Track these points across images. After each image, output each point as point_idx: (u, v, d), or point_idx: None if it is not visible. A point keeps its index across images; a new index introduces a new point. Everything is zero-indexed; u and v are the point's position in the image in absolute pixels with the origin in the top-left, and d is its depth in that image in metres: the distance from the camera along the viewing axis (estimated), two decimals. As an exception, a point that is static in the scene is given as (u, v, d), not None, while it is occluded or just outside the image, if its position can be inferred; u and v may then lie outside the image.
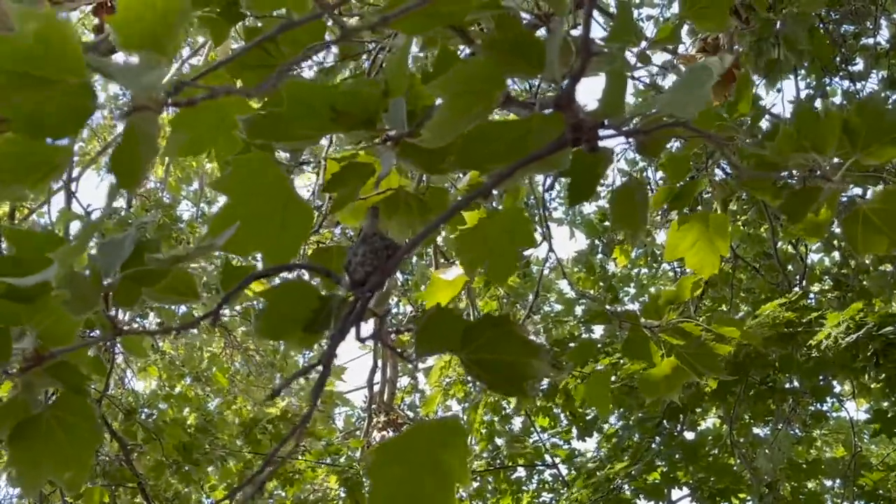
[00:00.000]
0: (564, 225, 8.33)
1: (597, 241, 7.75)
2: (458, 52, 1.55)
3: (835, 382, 5.69)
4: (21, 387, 1.24)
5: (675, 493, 6.05)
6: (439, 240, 5.60)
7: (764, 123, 4.60)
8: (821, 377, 5.36)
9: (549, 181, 5.23)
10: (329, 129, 1.21)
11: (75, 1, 4.34)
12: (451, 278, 2.25)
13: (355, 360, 18.25)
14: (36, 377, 1.22)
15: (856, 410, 11.16)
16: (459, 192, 2.21)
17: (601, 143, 1.08)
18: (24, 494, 4.65)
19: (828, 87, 5.94)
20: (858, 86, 5.75)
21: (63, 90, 0.92)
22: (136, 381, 8.21)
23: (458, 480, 1.09)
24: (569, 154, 1.10)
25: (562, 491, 7.34)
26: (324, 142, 4.23)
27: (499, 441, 7.68)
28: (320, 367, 1.08)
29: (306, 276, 1.36)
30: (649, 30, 6.44)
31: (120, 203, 6.82)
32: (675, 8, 5.43)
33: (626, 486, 5.95)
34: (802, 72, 5.59)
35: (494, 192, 1.82)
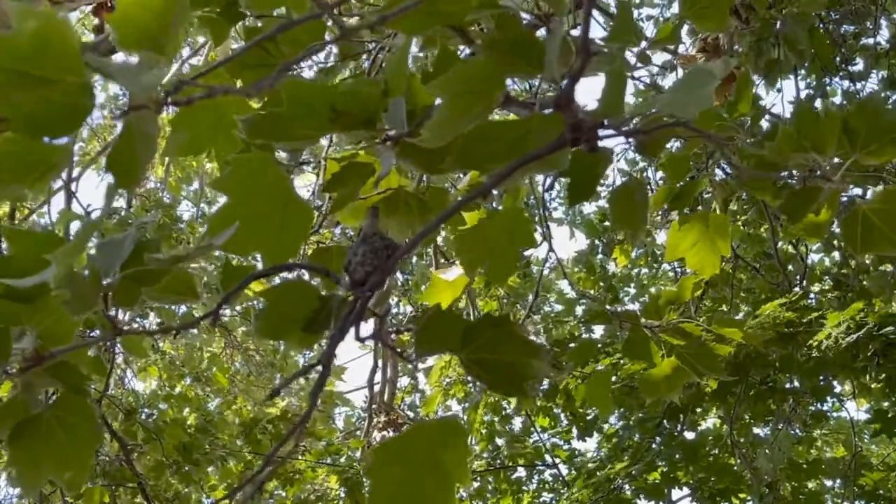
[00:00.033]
0: (564, 225, 8.33)
1: (597, 242, 7.75)
2: (459, 53, 1.55)
3: (835, 382, 5.69)
4: (21, 387, 1.24)
5: (676, 493, 6.06)
6: (439, 240, 5.60)
7: (764, 123, 4.60)
8: (821, 377, 5.36)
9: (548, 181, 5.23)
10: (329, 128, 1.21)
11: (75, 1, 4.34)
12: (451, 279, 2.25)
13: (355, 360, 18.25)
14: (36, 377, 1.22)
15: (856, 410, 11.16)
16: (460, 192, 2.21)
17: (601, 143, 1.08)
18: (25, 494, 4.65)
19: (828, 87, 5.94)
20: (858, 86, 5.75)
21: (62, 89, 0.92)
22: (136, 382, 8.21)
23: (458, 480, 1.09)
24: (568, 154, 1.10)
25: (562, 491, 7.34)
26: (324, 142, 4.23)
27: (499, 441, 7.68)
28: (320, 367, 1.08)
29: (306, 277, 1.36)
30: (649, 30, 6.44)
31: (120, 203, 6.82)
32: (675, 8, 5.43)
33: (626, 486, 5.95)
34: (802, 72, 5.59)
35: (494, 192, 1.83)
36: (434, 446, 1.09)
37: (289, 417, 7.55)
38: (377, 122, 1.21)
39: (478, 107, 1.10)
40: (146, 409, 7.06)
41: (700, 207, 4.78)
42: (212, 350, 8.64)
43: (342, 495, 7.24)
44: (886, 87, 5.59)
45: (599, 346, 5.75)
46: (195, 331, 7.75)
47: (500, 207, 2.09)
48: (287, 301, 1.14)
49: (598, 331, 6.33)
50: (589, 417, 6.80)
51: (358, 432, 8.30)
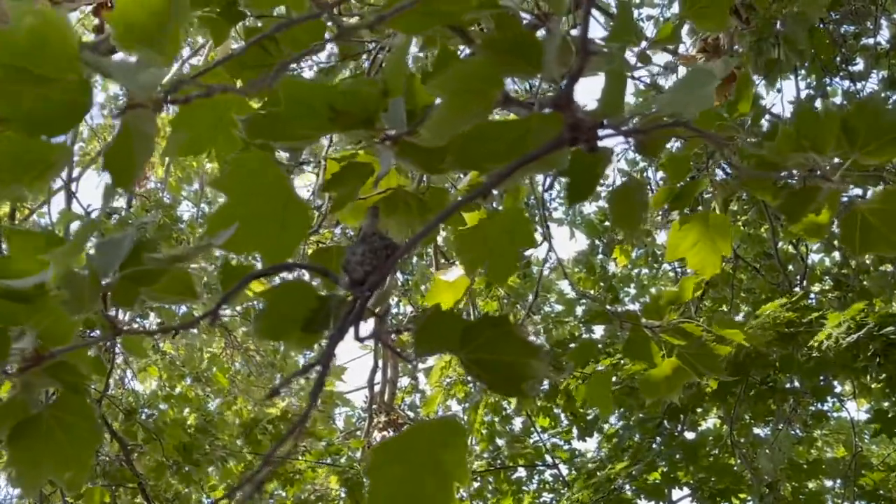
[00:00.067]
0: (564, 225, 8.34)
1: (597, 242, 7.76)
2: (459, 53, 1.55)
3: (835, 382, 5.68)
4: (20, 387, 1.24)
5: (676, 493, 6.06)
6: (440, 240, 5.60)
7: (764, 123, 4.60)
8: (821, 377, 5.36)
9: (548, 181, 5.23)
10: (328, 128, 1.21)
11: (75, 1, 4.34)
12: (452, 280, 2.25)
13: (356, 360, 18.24)
14: (35, 377, 1.22)
15: (856, 410, 11.16)
16: (460, 192, 2.21)
17: (600, 143, 1.08)
18: (25, 494, 4.65)
19: (828, 88, 5.94)
20: (859, 86, 5.75)
21: (60, 87, 0.92)
22: (136, 382, 8.21)
23: (457, 480, 1.09)
24: (567, 154, 1.09)
25: (563, 491, 7.34)
26: (324, 141, 4.23)
27: (499, 441, 7.68)
28: (319, 367, 1.08)
29: (307, 277, 1.36)
30: (649, 30, 6.44)
31: (120, 203, 6.82)
32: (676, 8, 5.43)
33: (626, 487, 5.95)
34: (802, 72, 5.59)
35: (495, 192, 1.82)
36: (434, 446, 1.09)
37: (289, 418, 7.55)
38: (376, 122, 1.21)
39: (476, 106, 1.10)
40: (146, 410, 7.06)
41: (700, 207, 4.77)
42: (212, 350, 8.64)
43: (342, 496, 7.24)
44: (886, 88, 5.59)
45: (600, 346, 5.75)
46: (195, 331, 7.75)
47: (500, 208, 2.09)
48: (286, 301, 1.14)
49: (599, 331, 6.33)
50: (589, 418, 6.80)
51: (358, 432, 8.30)
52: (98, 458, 6.08)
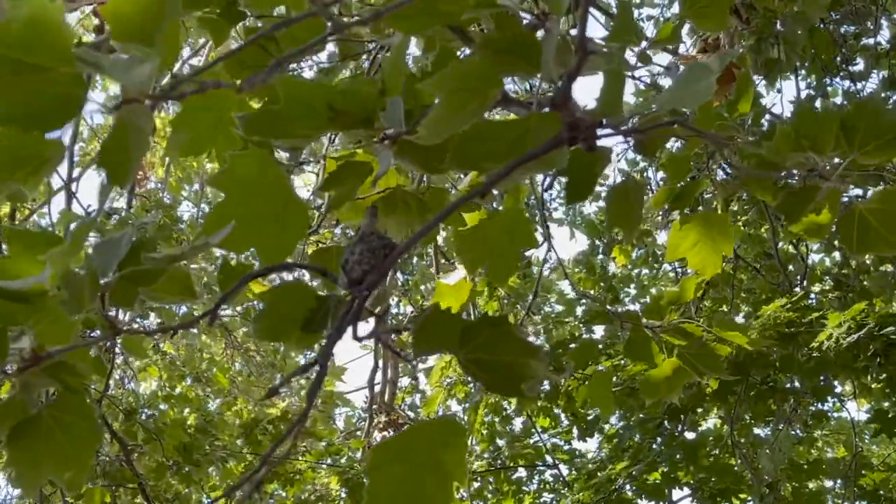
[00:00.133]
0: (565, 225, 8.34)
1: (597, 242, 7.75)
2: (459, 54, 1.55)
3: (836, 383, 5.68)
4: (19, 387, 1.24)
5: (676, 494, 6.06)
6: (440, 240, 5.60)
7: (765, 123, 4.60)
8: (822, 377, 5.36)
9: (547, 181, 5.23)
10: (326, 127, 1.21)
11: (76, 1, 4.34)
12: (454, 282, 2.25)
13: (356, 360, 18.23)
14: (34, 377, 1.22)
15: (857, 411, 11.15)
16: (460, 192, 2.21)
17: (599, 142, 1.08)
18: (25, 495, 4.65)
19: (828, 88, 5.94)
20: (859, 86, 5.75)
21: (54, 79, 0.92)
22: (136, 382, 8.21)
23: (457, 480, 1.09)
24: (566, 153, 1.09)
25: (563, 491, 7.34)
26: (324, 141, 4.23)
27: (500, 442, 7.67)
28: (318, 367, 1.08)
29: (307, 277, 1.36)
30: (650, 30, 6.44)
31: (120, 204, 6.82)
32: (676, 8, 5.42)
33: (627, 487, 5.95)
34: (803, 72, 5.58)
35: (495, 192, 1.82)
36: (434, 446, 1.09)
37: (289, 418, 7.55)
38: (375, 121, 1.20)
39: (473, 104, 1.10)
40: (146, 410, 7.06)
41: (700, 207, 4.77)
42: (212, 353, 8.65)
43: (343, 496, 7.24)
44: (887, 88, 5.58)
45: (600, 346, 5.74)
46: (195, 331, 7.75)
47: (501, 208, 2.09)
48: (285, 302, 1.14)
49: (599, 331, 6.33)
50: (590, 418, 6.80)
51: (358, 433, 8.30)
52: (98, 458, 6.08)
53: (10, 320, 1.17)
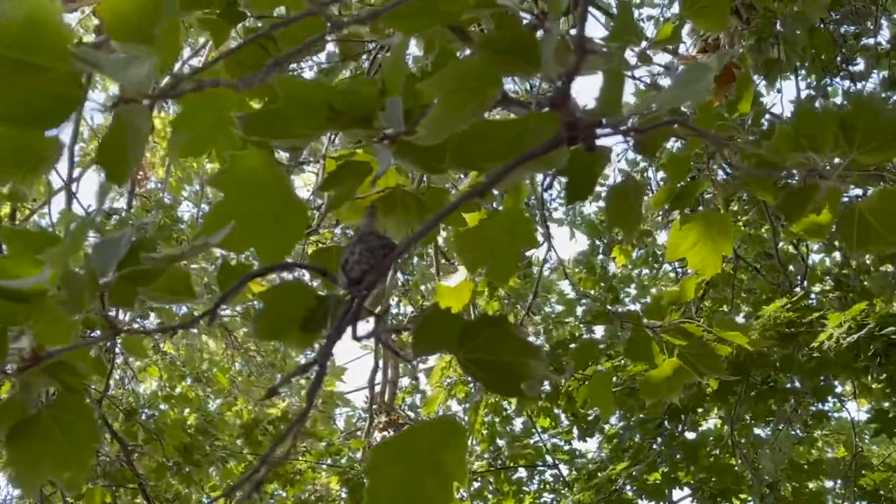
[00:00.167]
0: (565, 225, 8.34)
1: (597, 242, 7.75)
2: (458, 55, 1.55)
3: (836, 383, 5.68)
4: (19, 387, 1.24)
5: (677, 494, 6.06)
6: (440, 240, 5.60)
7: (765, 123, 4.60)
8: (822, 377, 5.35)
9: (547, 180, 5.23)
10: (325, 127, 1.21)
11: (76, 1, 4.34)
12: (455, 285, 2.25)
13: (356, 360, 18.24)
14: (33, 377, 1.22)
15: (857, 411, 11.15)
16: (461, 193, 2.21)
17: (599, 142, 1.08)
18: (24, 495, 4.65)
19: (829, 88, 5.94)
20: (859, 86, 5.75)
21: (51, 77, 0.92)
22: (136, 382, 8.21)
23: (457, 480, 1.09)
24: (565, 153, 1.09)
25: (563, 491, 7.34)
26: (325, 141, 4.23)
27: (500, 442, 7.67)
28: (317, 367, 1.08)
29: (307, 277, 1.36)
30: (650, 30, 6.44)
31: (121, 204, 6.82)
32: (676, 8, 5.42)
33: (627, 487, 5.95)
34: (803, 72, 5.58)
35: (495, 192, 1.82)
36: (434, 446, 1.09)
37: (289, 418, 7.55)
38: (374, 121, 1.20)
39: (472, 104, 1.10)
40: (146, 410, 7.06)
41: (701, 207, 4.77)
42: (211, 352, 8.64)
43: (343, 496, 7.24)
44: (887, 88, 5.58)
45: (601, 346, 5.74)
46: (195, 330, 7.75)
47: (501, 208, 2.08)
48: (285, 301, 1.14)
49: (599, 332, 6.33)
50: (590, 418, 6.80)
51: (359, 433, 8.30)
52: (98, 458, 6.08)
53: (10, 320, 1.17)
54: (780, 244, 6.52)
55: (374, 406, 7.25)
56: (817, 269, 6.98)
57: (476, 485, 7.64)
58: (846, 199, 1.55)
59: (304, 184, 7.69)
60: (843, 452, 7.82)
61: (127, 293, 1.15)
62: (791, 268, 6.73)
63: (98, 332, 1.23)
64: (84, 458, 1.30)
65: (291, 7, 1.53)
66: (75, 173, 5.40)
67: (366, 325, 1.16)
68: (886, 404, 5.59)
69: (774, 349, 5.20)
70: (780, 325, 5.09)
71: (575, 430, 7.11)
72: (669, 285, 7.44)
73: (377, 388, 7.55)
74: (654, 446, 5.99)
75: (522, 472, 7.83)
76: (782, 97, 18.11)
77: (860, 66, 5.69)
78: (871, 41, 5.64)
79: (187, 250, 1.14)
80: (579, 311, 7.91)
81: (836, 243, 6.23)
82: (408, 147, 1.20)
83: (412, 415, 8.19)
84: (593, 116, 1.03)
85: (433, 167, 1.23)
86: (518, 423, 7.74)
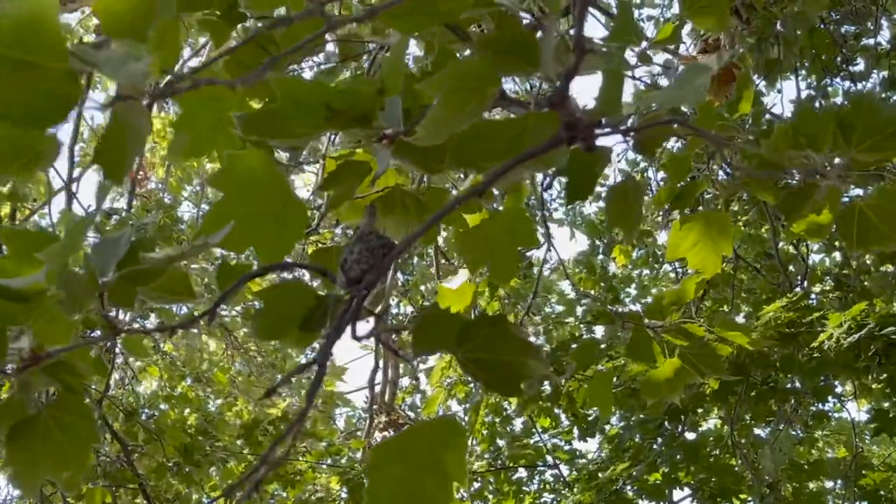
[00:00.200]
0: (565, 226, 8.34)
1: (598, 242, 7.75)
2: (458, 55, 1.55)
3: (836, 383, 5.68)
4: (18, 387, 1.24)
5: (677, 494, 6.05)
6: (440, 240, 5.60)
7: (765, 123, 4.60)
8: (822, 377, 5.35)
9: (547, 180, 5.23)
10: (324, 127, 1.21)
11: (77, 1, 4.34)
12: (457, 287, 2.25)
13: (356, 360, 18.25)
14: (33, 377, 1.22)
15: (857, 411, 11.15)
16: (461, 193, 2.21)
17: (599, 142, 1.08)
18: (24, 495, 4.65)
19: (829, 88, 5.93)
20: (859, 86, 5.74)
21: (48, 76, 0.92)
22: (136, 382, 8.21)
23: (457, 480, 1.09)
24: (564, 152, 1.09)
25: (563, 492, 7.34)
26: (325, 141, 4.23)
27: (500, 442, 7.67)
28: (317, 366, 1.08)
29: (307, 277, 1.36)
30: (650, 30, 6.44)
31: (121, 204, 6.82)
32: (676, 8, 5.42)
33: (627, 487, 5.95)
34: (803, 72, 5.58)
35: (495, 192, 1.82)
36: (434, 446, 1.09)
37: (289, 419, 7.55)
38: (373, 121, 1.20)
39: (471, 104, 1.10)
40: (146, 410, 7.06)
41: (701, 208, 4.77)
42: (210, 352, 8.65)
43: (343, 496, 7.24)
44: (887, 88, 5.58)
45: (601, 346, 5.73)
46: (195, 331, 7.75)
47: (501, 208, 2.08)
48: (284, 301, 1.14)
49: (599, 332, 6.32)
50: (590, 418, 6.80)
51: (359, 433, 8.30)
52: (99, 458, 6.09)
53: (10, 320, 1.17)
54: (781, 244, 6.52)
55: (375, 406, 7.25)
56: (817, 269, 6.98)
57: (476, 485, 7.64)
58: (846, 199, 1.55)
59: (304, 184, 7.69)
60: (844, 452, 7.82)
61: (126, 293, 1.15)
62: (791, 268, 6.73)
63: (98, 332, 1.23)
64: (83, 458, 1.30)
65: (292, 7, 1.53)
66: (75, 173, 5.40)
67: (365, 325, 1.17)
68: (887, 404, 5.58)
69: (775, 349, 5.20)
70: (781, 325, 5.09)
71: (575, 431, 7.11)
72: (670, 285, 7.44)
73: (377, 388, 7.55)
74: (655, 446, 5.99)
75: (522, 473, 7.83)
76: (782, 97, 18.11)
77: (860, 66, 5.69)
78: (872, 41, 5.64)
79: (187, 250, 1.14)
80: (579, 311, 7.91)
81: (837, 243, 6.23)
82: (407, 147, 1.20)
83: (412, 415, 8.19)
84: (593, 116, 1.03)
85: (432, 167, 1.23)
86: (518, 424, 7.75)
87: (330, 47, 2.92)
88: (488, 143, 1.12)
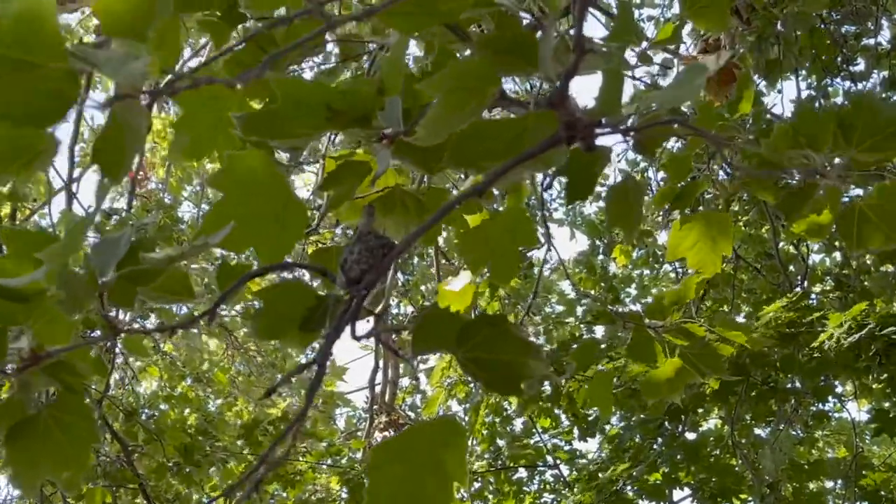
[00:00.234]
0: (565, 226, 8.34)
1: (598, 242, 7.76)
2: (458, 55, 1.55)
3: (836, 383, 5.68)
4: (17, 387, 1.24)
5: (677, 494, 6.05)
6: (441, 241, 5.60)
7: (766, 124, 4.60)
8: (822, 377, 5.35)
9: (547, 180, 5.23)
10: (324, 127, 1.21)
11: (77, 2, 4.34)
12: (458, 289, 2.25)
13: (357, 360, 18.26)
14: (33, 377, 1.22)
15: (857, 411, 11.14)
16: (461, 193, 2.20)
17: (599, 142, 1.08)
18: (24, 494, 4.65)
19: (829, 88, 5.93)
20: (860, 86, 5.74)
21: (46, 75, 0.92)
22: (136, 382, 8.21)
23: (457, 480, 1.09)
24: (564, 152, 1.09)
25: (563, 492, 7.34)
26: (325, 141, 4.23)
27: (500, 442, 7.67)
28: (316, 366, 1.08)
29: (307, 277, 1.36)
30: (650, 30, 6.44)
31: (121, 204, 6.82)
32: (676, 9, 5.42)
33: (627, 487, 5.95)
34: (803, 72, 5.58)
35: (496, 192, 1.82)
36: (434, 446, 1.09)
37: (290, 419, 7.55)
38: (373, 121, 1.20)
39: (471, 103, 1.10)
40: (147, 410, 7.06)
41: (701, 208, 4.76)
42: (211, 353, 8.65)
43: (343, 496, 7.24)
44: (887, 88, 5.58)
45: (602, 346, 5.73)
46: (195, 331, 7.75)
47: (502, 208, 2.08)
48: (284, 301, 1.14)
49: (599, 332, 6.32)
50: (590, 418, 6.80)
51: (359, 433, 8.30)
52: (99, 458, 6.09)
53: (10, 320, 1.17)
54: (781, 244, 6.52)
55: (375, 406, 7.25)
56: (818, 270, 6.98)
57: (476, 485, 7.64)
58: (846, 199, 1.55)
59: (304, 184, 7.69)
60: (844, 453, 7.82)
61: (126, 293, 1.15)
62: (791, 268, 6.73)
63: (98, 332, 1.23)
64: (83, 458, 1.30)
65: (292, 7, 1.53)
66: (76, 173, 5.40)
67: (365, 325, 1.17)
68: (887, 404, 5.58)
69: (775, 349, 5.19)
70: (781, 325, 5.09)
71: (575, 431, 7.11)
72: (670, 285, 7.44)
73: (377, 389, 7.55)
74: (655, 447, 5.99)
75: (523, 473, 7.83)
76: (783, 97, 18.12)
77: (861, 66, 5.69)
78: (872, 41, 5.64)
79: (187, 250, 1.14)
80: (580, 311, 7.91)
81: (837, 243, 6.23)
82: (407, 147, 1.20)
83: (412, 415, 8.19)
84: (592, 116, 1.03)
85: (432, 167, 1.23)
86: (518, 424, 7.75)
87: (330, 47, 2.92)
88: (488, 142, 1.12)
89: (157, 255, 1.12)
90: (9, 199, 5.40)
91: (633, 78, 2.43)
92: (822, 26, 5.25)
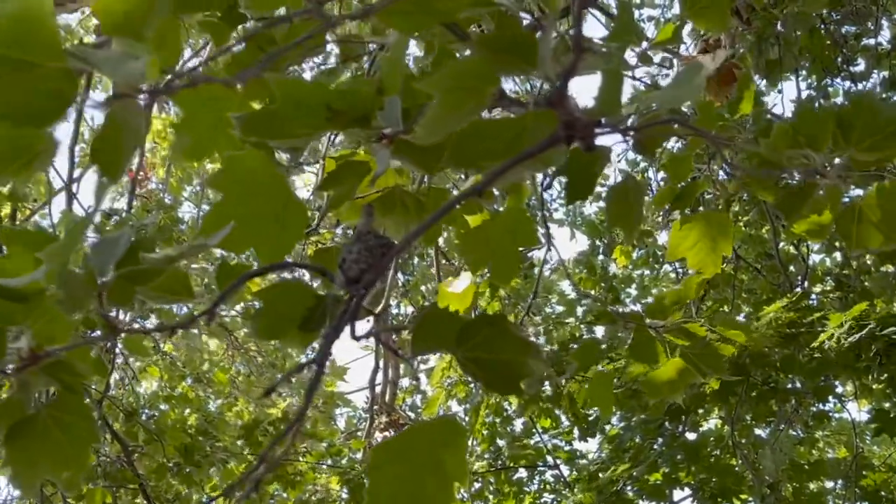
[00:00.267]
0: (565, 226, 8.35)
1: (598, 242, 7.76)
2: (458, 55, 1.55)
3: (837, 383, 5.67)
4: (17, 386, 1.24)
5: (677, 494, 6.05)
6: (441, 241, 5.60)
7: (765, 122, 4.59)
8: (823, 378, 5.35)
9: (547, 180, 5.23)
10: (324, 127, 1.21)
11: (77, 2, 4.34)
12: (459, 290, 2.25)
13: (357, 360, 18.27)
14: (32, 377, 1.22)
15: (858, 411, 11.14)
16: (461, 193, 2.20)
17: (599, 142, 1.08)
18: (24, 494, 4.65)
19: (829, 88, 5.93)
20: (860, 86, 5.74)
21: (44, 74, 0.92)
22: (136, 382, 8.21)
23: (457, 480, 1.09)
24: (563, 152, 1.09)
25: (564, 492, 7.34)
26: (325, 141, 4.23)
27: (500, 442, 7.67)
28: (315, 366, 1.08)
29: (307, 277, 1.36)
30: (650, 31, 6.44)
31: (121, 204, 6.82)
32: (677, 9, 5.42)
33: (628, 488, 5.95)
34: (804, 72, 5.58)
35: (496, 192, 1.82)
36: (434, 446, 1.09)
37: (290, 419, 7.55)
38: (372, 121, 1.20)
39: (470, 103, 1.10)
40: (147, 410, 7.06)
41: (701, 208, 4.76)
42: (211, 353, 8.65)
43: (344, 496, 7.24)
44: (887, 88, 5.58)
45: (602, 346, 5.73)
46: (195, 331, 7.76)
47: (502, 209, 2.08)
48: (283, 301, 1.14)
49: (600, 332, 6.32)
50: (591, 419, 6.80)
51: (359, 433, 8.30)
52: (99, 458, 6.09)
53: (9, 320, 1.17)
54: (781, 244, 6.52)
55: (375, 406, 7.26)
56: (818, 270, 6.98)
57: (476, 485, 7.64)
58: (846, 199, 1.55)
59: (304, 184, 7.69)
60: (844, 453, 7.82)
61: (126, 293, 1.15)
62: (792, 268, 6.73)
63: (98, 332, 1.23)
64: (83, 458, 1.30)
65: (292, 7, 1.52)
66: (76, 174, 5.40)
67: (365, 325, 1.17)
68: (887, 405, 5.58)
69: (775, 349, 5.19)
70: (781, 325, 5.09)
71: (576, 431, 7.11)
72: (670, 286, 7.43)
73: (378, 389, 7.55)
74: (655, 447, 5.99)
75: (523, 473, 7.83)
76: (783, 97, 18.13)
77: (861, 66, 5.69)
78: (872, 41, 5.64)
79: (186, 250, 1.14)
80: (580, 311, 7.91)
81: (837, 243, 6.23)
82: (406, 146, 1.20)
83: (413, 415, 8.19)
84: (592, 116, 1.03)
85: (432, 167, 1.23)
86: (518, 424, 7.75)
87: (330, 47, 2.92)
88: (487, 142, 1.12)
89: (157, 255, 1.12)
90: (9, 199, 5.40)
91: (633, 78, 2.43)
92: (822, 26, 5.25)
